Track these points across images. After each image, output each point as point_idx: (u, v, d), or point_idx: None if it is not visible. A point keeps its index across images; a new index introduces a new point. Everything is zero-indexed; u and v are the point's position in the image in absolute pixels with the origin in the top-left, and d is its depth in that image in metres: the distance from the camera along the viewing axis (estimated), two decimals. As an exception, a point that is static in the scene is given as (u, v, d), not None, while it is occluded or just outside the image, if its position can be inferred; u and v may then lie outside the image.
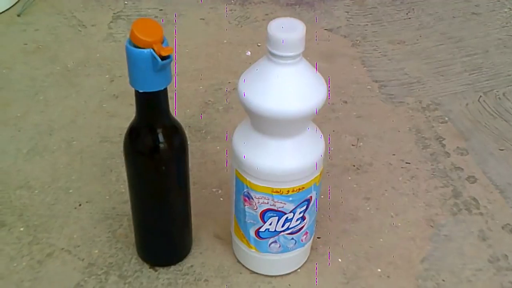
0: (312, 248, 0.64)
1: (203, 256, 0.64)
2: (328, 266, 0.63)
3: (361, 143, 0.79)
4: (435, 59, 0.97)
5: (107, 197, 0.70)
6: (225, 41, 1.00)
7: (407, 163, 0.76)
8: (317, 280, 0.62)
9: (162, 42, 0.48)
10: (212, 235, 0.66)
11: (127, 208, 0.62)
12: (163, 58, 0.47)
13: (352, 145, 0.79)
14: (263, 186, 0.54)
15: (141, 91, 0.50)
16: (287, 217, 0.56)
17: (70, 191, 0.71)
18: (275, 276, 0.62)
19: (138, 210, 0.59)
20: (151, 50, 0.47)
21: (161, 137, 0.53)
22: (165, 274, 0.62)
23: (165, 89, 0.51)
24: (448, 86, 0.91)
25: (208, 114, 0.83)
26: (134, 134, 0.54)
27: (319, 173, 0.56)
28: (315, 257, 0.64)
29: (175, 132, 0.55)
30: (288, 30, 0.48)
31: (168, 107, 0.53)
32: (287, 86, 0.50)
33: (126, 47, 0.48)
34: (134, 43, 0.47)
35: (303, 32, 0.48)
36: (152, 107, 0.52)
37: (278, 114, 0.50)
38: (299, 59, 0.50)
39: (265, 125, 0.52)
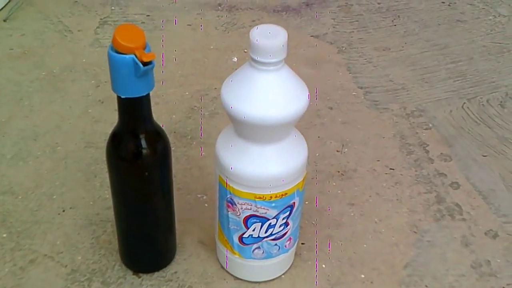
0: (296, 254, 0.64)
1: (187, 262, 0.64)
2: (312, 272, 0.63)
3: (346, 149, 0.80)
4: (420, 66, 0.98)
5: (91, 203, 0.70)
6: (211, 47, 1.00)
7: (391, 169, 0.77)
8: (301, 286, 0.62)
9: (144, 48, 0.48)
10: (197, 241, 0.66)
11: (111, 214, 0.62)
12: (145, 64, 0.47)
13: (337, 151, 0.80)
14: (246, 192, 0.54)
15: (123, 96, 0.50)
16: (270, 223, 0.56)
17: (54, 197, 0.70)
18: (259, 282, 0.62)
19: (122, 216, 0.59)
20: (133, 56, 0.47)
21: (143, 143, 0.53)
22: (148, 281, 0.61)
23: (148, 95, 0.51)
24: (433, 93, 0.92)
25: (194, 120, 0.84)
26: (116, 140, 0.54)
27: (302, 179, 0.56)
28: (299, 263, 0.64)
29: (157, 137, 0.54)
30: (270, 36, 0.49)
31: (151, 113, 0.53)
32: (269, 92, 0.50)
33: (108, 52, 0.48)
34: (116, 49, 0.47)
35: (285, 38, 0.49)
36: (134, 113, 0.52)
37: (260, 120, 0.50)
38: (281, 65, 0.50)
39: (248, 131, 0.52)
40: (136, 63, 0.47)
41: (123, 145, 0.54)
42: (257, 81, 0.50)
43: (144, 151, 0.54)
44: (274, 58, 0.48)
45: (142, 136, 0.53)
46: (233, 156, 0.54)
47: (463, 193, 0.74)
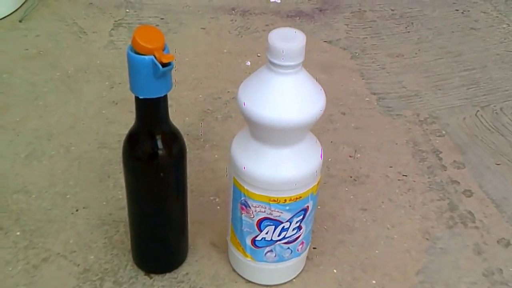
0: (307, 258, 0.64)
1: (198, 264, 0.64)
2: (323, 276, 0.63)
3: (359, 155, 0.80)
4: (433, 73, 0.98)
5: (104, 203, 0.70)
6: (225, 50, 1.01)
7: (404, 175, 0.77)
8: (312, 290, 0.62)
9: (164, 49, 0.48)
10: (208, 243, 0.66)
11: (124, 214, 0.62)
12: (164, 65, 0.48)
13: (350, 156, 0.79)
14: (260, 195, 0.54)
15: (141, 97, 0.50)
16: (283, 226, 0.56)
17: (67, 196, 0.71)
18: (271, 286, 0.62)
19: (135, 216, 0.59)
20: (152, 56, 0.47)
21: (160, 144, 0.53)
22: (160, 282, 0.62)
23: (165, 96, 0.51)
24: (446, 100, 0.92)
25: (207, 123, 0.84)
26: (133, 140, 0.54)
27: (316, 183, 0.56)
28: (311, 267, 0.64)
29: (174, 139, 0.55)
30: (288, 40, 0.49)
31: (168, 114, 0.54)
32: (286, 95, 0.50)
33: (127, 53, 0.48)
34: (135, 50, 0.48)
35: (303, 42, 0.49)
36: (151, 114, 0.52)
37: (277, 123, 0.50)
38: (299, 68, 0.50)
39: (264, 133, 0.52)
40: (155, 64, 0.47)
41: (140, 145, 0.54)
42: (275, 84, 0.50)
43: (160, 152, 0.54)
44: (293, 61, 0.49)
45: (158, 137, 0.53)
46: (249, 159, 0.54)
47: (476, 201, 0.73)
